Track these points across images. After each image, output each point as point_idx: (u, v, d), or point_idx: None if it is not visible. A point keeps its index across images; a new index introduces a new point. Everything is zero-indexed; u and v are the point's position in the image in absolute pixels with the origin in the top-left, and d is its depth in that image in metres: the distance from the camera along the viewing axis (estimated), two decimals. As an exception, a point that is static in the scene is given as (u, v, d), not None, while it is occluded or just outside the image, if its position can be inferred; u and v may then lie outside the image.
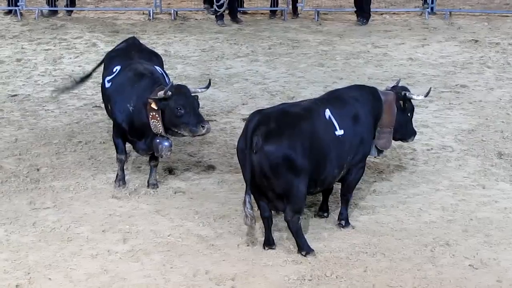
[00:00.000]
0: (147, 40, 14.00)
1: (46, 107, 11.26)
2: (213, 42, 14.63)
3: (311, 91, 11.61)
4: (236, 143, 7.30)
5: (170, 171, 9.08)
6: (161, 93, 7.91)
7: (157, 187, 8.63)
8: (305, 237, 7.28)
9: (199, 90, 8.38)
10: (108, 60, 9.11)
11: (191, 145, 9.79)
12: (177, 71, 12.73)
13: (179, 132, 8.13)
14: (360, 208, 8.16)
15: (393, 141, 8.00)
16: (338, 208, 7.87)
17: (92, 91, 11.67)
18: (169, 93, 7.89)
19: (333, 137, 7.26)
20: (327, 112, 7.33)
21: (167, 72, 9.31)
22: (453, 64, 13.37)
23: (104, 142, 9.86)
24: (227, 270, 6.92)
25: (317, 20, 16.32)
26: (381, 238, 7.51)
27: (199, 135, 8.24)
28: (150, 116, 8.05)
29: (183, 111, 7.93)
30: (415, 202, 8.30)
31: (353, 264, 7.05)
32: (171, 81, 8.61)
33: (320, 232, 7.63)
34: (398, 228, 7.73)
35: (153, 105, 7.96)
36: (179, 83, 8.41)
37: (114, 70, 8.66)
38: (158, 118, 8.00)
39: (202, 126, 7.97)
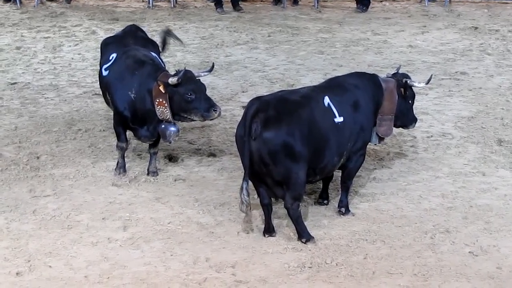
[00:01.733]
0: (146, 28, 13.97)
1: (46, 95, 11.23)
2: (213, 29, 14.60)
3: (311, 79, 11.57)
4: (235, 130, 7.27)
5: (170, 158, 9.05)
6: (173, 80, 7.85)
7: (157, 174, 8.60)
8: (305, 224, 7.26)
9: (202, 74, 8.33)
10: (104, 47, 9.07)
11: (191, 132, 9.77)
12: (176, 58, 12.70)
13: (188, 117, 8.10)
14: (360, 195, 8.14)
15: (394, 128, 7.98)
16: (338, 195, 7.85)
17: (92, 78, 11.64)
18: (179, 79, 7.87)
19: (332, 124, 7.22)
20: (326, 99, 7.29)
21: (165, 60, 9.27)
22: (453, 51, 13.33)
23: (104, 130, 9.83)
24: (227, 258, 6.91)
25: (317, 8, 16.27)
26: (381, 225, 7.50)
27: (211, 119, 8.23)
28: (157, 102, 8.00)
29: (194, 96, 7.90)
30: (415, 189, 8.28)
31: (353, 251, 7.04)
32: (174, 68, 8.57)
33: (320, 219, 7.61)
34: (398, 215, 7.71)
35: (161, 88, 7.91)
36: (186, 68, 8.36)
37: (111, 57, 8.61)
38: (166, 104, 7.96)
39: (214, 110, 7.96)
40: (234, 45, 13.67)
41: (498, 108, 10.63)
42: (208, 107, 7.96)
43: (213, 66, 8.50)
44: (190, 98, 7.90)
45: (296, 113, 7.03)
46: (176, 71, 8.07)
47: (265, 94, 7.96)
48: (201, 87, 8.04)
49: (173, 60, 12.41)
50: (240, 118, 7.21)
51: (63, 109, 10.66)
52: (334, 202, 7.88)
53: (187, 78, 7.95)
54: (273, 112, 6.94)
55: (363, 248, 7.09)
